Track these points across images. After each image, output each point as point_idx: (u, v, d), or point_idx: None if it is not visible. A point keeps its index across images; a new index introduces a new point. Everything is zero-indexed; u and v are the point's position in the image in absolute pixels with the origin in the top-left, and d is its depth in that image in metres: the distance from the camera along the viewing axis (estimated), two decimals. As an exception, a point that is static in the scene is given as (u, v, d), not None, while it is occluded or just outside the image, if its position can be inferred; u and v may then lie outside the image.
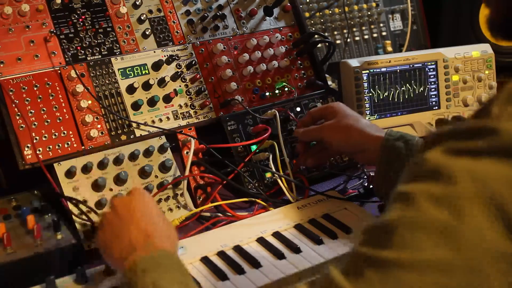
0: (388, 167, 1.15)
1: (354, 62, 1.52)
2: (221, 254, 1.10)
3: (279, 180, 1.32)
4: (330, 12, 1.88)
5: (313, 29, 1.83)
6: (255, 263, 1.06)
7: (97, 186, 1.21)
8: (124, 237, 0.92)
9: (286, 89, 1.51)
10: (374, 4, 1.97)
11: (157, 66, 1.38)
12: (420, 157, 0.60)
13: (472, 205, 0.54)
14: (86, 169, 1.21)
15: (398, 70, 1.55)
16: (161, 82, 1.37)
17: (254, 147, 1.37)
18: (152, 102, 1.35)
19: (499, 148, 0.55)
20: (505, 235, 0.53)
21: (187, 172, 1.30)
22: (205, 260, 1.09)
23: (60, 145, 1.23)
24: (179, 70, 1.40)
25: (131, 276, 0.84)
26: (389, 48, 1.96)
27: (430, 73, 1.58)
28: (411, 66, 1.56)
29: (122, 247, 0.92)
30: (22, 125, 1.20)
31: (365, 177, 1.37)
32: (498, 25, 0.75)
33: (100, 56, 1.34)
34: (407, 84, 1.56)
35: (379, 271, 0.58)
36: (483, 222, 0.53)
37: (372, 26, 1.97)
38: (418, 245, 0.57)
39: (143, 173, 1.26)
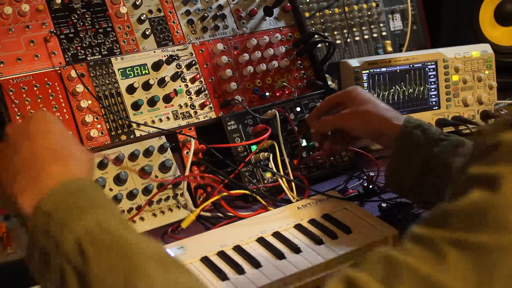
0: (403, 156, 1.13)
1: (354, 62, 1.52)
2: (221, 254, 1.10)
3: (279, 180, 1.32)
4: (330, 12, 1.89)
5: (313, 29, 1.83)
6: (255, 263, 1.06)
7: (97, 186, 1.20)
8: (28, 173, 0.72)
9: (286, 89, 1.51)
10: (374, 4, 1.97)
11: (157, 66, 1.38)
12: (493, 139, 0.59)
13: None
14: (86, 169, 1.21)
15: (398, 70, 1.55)
16: (161, 82, 1.37)
17: (254, 147, 1.37)
18: (152, 102, 1.35)
19: None
20: None
21: (187, 172, 1.30)
22: (205, 260, 1.09)
23: (60, 145, 1.23)
24: (179, 70, 1.40)
25: (43, 224, 0.64)
26: (389, 48, 1.96)
27: (430, 73, 1.58)
28: (411, 66, 1.56)
29: (24, 185, 0.71)
30: (22, 125, 1.20)
31: (365, 177, 1.37)
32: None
33: (100, 56, 1.34)
34: (407, 84, 1.56)
35: (471, 255, 0.56)
36: None
37: (372, 26, 1.97)
38: None
39: (143, 173, 1.26)
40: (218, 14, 1.50)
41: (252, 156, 1.35)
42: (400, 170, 1.14)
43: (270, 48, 1.52)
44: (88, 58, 1.33)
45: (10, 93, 1.21)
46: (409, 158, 1.12)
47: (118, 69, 1.34)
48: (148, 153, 1.28)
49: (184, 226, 1.22)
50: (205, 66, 1.45)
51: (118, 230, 0.63)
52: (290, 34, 1.58)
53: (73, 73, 1.28)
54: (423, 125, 1.15)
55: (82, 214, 0.63)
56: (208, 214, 1.27)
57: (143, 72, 1.37)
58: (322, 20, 1.87)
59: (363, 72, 1.51)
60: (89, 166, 0.77)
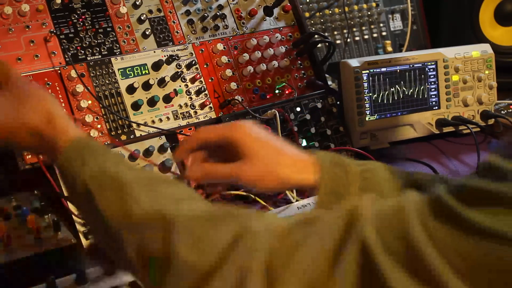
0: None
1: (354, 62, 1.52)
2: (221, 254, 1.09)
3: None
4: (330, 12, 1.89)
5: (313, 29, 1.83)
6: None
7: (97, 186, 1.20)
8: (21, 127, 0.83)
9: (285, 89, 1.51)
10: (374, 4, 1.97)
11: (157, 66, 1.38)
12: None
13: None
14: (86, 169, 1.21)
15: (398, 70, 1.55)
16: (161, 82, 1.37)
17: (254, 147, 1.37)
18: (152, 102, 1.35)
19: None
20: None
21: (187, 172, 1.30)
22: (205, 260, 1.08)
23: (60, 145, 1.23)
24: (179, 70, 1.40)
25: (63, 170, 0.79)
26: (389, 48, 1.96)
27: (430, 73, 1.58)
28: (411, 66, 1.56)
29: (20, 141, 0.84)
30: (22, 125, 1.20)
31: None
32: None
33: (100, 56, 1.34)
34: (407, 84, 1.56)
35: None
36: None
37: (372, 26, 1.97)
38: None
39: (143, 173, 1.26)
40: (218, 14, 1.50)
41: (252, 156, 1.35)
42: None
43: (270, 48, 1.52)
44: (88, 58, 1.33)
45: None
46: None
47: (118, 69, 1.34)
48: (148, 153, 1.28)
49: None
50: (205, 66, 1.45)
51: (111, 168, 0.75)
52: (290, 34, 1.58)
53: (73, 73, 1.28)
54: (338, 161, 0.90)
55: (85, 164, 0.77)
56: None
57: (143, 72, 1.37)
58: (322, 20, 1.87)
59: (363, 72, 1.51)
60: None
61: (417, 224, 0.52)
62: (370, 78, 1.52)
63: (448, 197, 0.52)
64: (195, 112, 1.40)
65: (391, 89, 1.55)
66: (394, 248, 0.52)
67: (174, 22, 1.45)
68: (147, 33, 1.39)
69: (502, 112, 1.70)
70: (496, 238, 0.48)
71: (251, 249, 0.60)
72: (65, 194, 1.15)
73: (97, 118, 1.28)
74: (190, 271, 0.62)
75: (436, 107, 1.60)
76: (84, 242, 1.14)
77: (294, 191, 1.31)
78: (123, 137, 1.30)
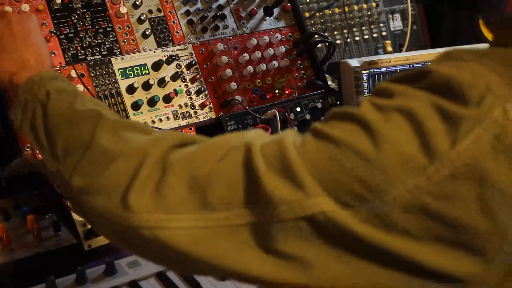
0: None
1: (354, 62, 1.52)
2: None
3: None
4: (330, 12, 1.89)
5: (313, 29, 1.83)
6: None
7: (97, 186, 1.20)
8: (15, 53, 1.00)
9: (285, 89, 1.51)
10: (374, 4, 1.97)
11: (157, 66, 1.38)
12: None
13: (398, 114, 0.63)
14: (86, 169, 1.21)
15: (398, 70, 1.55)
16: (161, 82, 1.37)
17: (254, 147, 1.37)
18: (152, 102, 1.35)
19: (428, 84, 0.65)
20: (418, 146, 0.61)
21: None
22: (205, 260, 1.08)
23: (60, 145, 1.23)
24: (179, 70, 1.40)
25: (29, 87, 0.91)
26: (389, 48, 1.96)
27: (430, 73, 1.58)
28: (411, 66, 1.56)
29: (11, 61, 0.99)
30: (22, 125, 1.20)
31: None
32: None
33: (100, 56, 1.34)
34: (407, 84, 1.56)
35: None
36: (401, 131, 0.62)
37: (372, 26, 1.97)
38: None
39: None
40: (218, 14, 1.50)
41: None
42: None
43: (270, 48, 1.52)
44: (88, 58, 1.33)
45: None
46: None
47: (118, 69, 1.34)
48: (148, 153, 1.28)
49: None
50: (205, 66, 1.45)
51: (73, 88, 0.94)
52: (290, 34, 1.58)
53: (73, 73, 1.28)
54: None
55: (53, 82, 0.93)
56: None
57: (143, 72, 1.37)
58: (322, 20, 1.87)
59: (363, 72, 1.51)
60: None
61: (289, 142, 0.66)
62: (370, 78, 1.52)
63: (317, 123, 0.68)
64: (195, 112, 1.40)
65: (391, 89, 1.54)
66: (270, 157, 0.66)
67: (174, 22, 1.45)
68: (147, 33, 1.39)
69: None
70: (337, 144, 0.63)
71: (156, 142, 0.74)
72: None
73: (97, 118, 1.28)
74: (103, 154, 0.76)
75: (436, 107, 1.59)
76: (85, 243, 1.14)
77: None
78: (123, 137, 1.30)
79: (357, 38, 1.92)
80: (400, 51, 1.98)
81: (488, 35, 0.80)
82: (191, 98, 1.41)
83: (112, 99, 1.32)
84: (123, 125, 0.82)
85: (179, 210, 0.68)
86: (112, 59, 1.35)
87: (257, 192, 0.66)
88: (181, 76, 1.40)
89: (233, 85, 1.45)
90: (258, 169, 0.66)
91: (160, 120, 1.35)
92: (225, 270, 0.68)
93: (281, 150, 0.66)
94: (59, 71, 1.23)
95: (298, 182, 0.64)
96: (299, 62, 1.56)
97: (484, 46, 0.69)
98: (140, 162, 0.72)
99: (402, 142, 0.62)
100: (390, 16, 2.01)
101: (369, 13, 1.96)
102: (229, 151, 0.69)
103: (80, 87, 1.27)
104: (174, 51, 1.42)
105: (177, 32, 1.45)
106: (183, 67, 1.42)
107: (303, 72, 1.56)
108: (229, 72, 1.45)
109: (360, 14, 1.94)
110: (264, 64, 1.50)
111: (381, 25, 1.99)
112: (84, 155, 0.78)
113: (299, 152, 0.65)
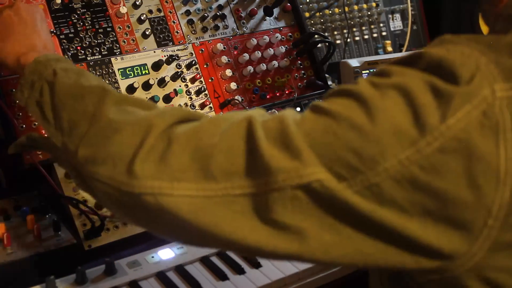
0: None
1: (354, 62, 1.52)
2: (221, 254, 1.10)
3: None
4: (330, 12, 1.89)
5: (313, 29, 1.83)
6: (255, 263, 1.06)
7: (97, 186, 1.20)
8: (24, 37, 1.05)
9: (286, 89, 1.51)
10: (374, 4, 1.97)
11: (157, 66, 1.38)
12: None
13: (393, 90, 0.67)
14: (86, 169, 1.21)
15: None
16: (161, 82, 1.37)
17: (254, 147, 1.37)
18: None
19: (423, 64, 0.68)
20: (411, 119, 0.64)
21: None
22: (205, 260, 1.09)
23: (60, 145, 1.23)
24: (179, 70, 1.40)
25: (36, 66, 0.94)
26: (389, 48, 1.96)
27: (430, 73, 1.58)
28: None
29: (20, 43, 1.04)
30: (22, 125, 1.20)
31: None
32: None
33: (100, 56, 1.34)
34: (407, 84, 1.56)
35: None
36: (395, 105, 0.65)
37: (372, 26, 1.97)
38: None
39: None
40: (218, 14, 1.50)
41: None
42: None
43: (270, 48, 1.52)
44: (88, 58, 1.33)
45: (11, 93, 1.21)
46: None
47: (118, 69, 1.34)
48: (148, 153, 1.28)
49: None
50: (205, 66, 1.45)
51: (79, 68, 0.96)
52: (290, 34, 1.58)
53: (73, 73, 1.28)
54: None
55: (59, 63, 0.95)
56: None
57: (143, 72, 1.37)
58: (322, 20, 1.87)
59: (363, 72, 1.51)
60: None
61: (289, 118, 0.69)
62: (370, 78, 1.52)
63: (316, 101, 0.70)
64: (195, 112, 1.40)
65: (391, 89, 1.54)
66: (270, 130, 0.69)
67: (174, 22, 1.45)
68: (147, 33, 1.39)
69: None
70: (334, 117, 0.67)
71: (162, 115, 0.77)
72: (65, 194, 1.15)
73: (97, 118, 1.28)
74: (109, 125, 0.78)
75: (436, 107, 1.59)
76: (85, 243, 1.14)
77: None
78: (123, 137, 1.30)
79: (357, 38, 1.92)
80: (400, 51, 1.98)
81: (484, 28, 0.85)
82: (191, 98, 1.41)
83: (112, 99, 1.31)
84: (129, 100, 0.85)
85: (182, 178, 0.70)
86: (112, 59, 1.35)
87: (256, 162, 0.68)
88: (181, 76, 1.40)
89: (233, 85, 1.45)
90: (258, 140, 0.68)
91: (160, 120, 1.35)
92: (222, 239, 0.70)
93: (281, 123, 0.69)
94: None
95: (296, 152, 0.66)
96: (299, 62, 1.56)
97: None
98: (146, 132, 0.74)
99: (396, 115, 0.65)
100: (390, 16, 2.01)
101: (369, 13, 1.96)
102: (232, 124, 0.72)
103: (80, 87, 1.27)
104: (174, 51, 1.42)
105: (177, 32, 1.45)
106: (183, 67, 1.42)
107: (303, 72, 1.56)
108: (229, 72, 1.45)
109: (360, 14, 1.94)
110: (264, 64, 1.50)
111: (381, 25, 1.99)
112: (90, 127, 0.80)
113: (298, 125, 0.68)
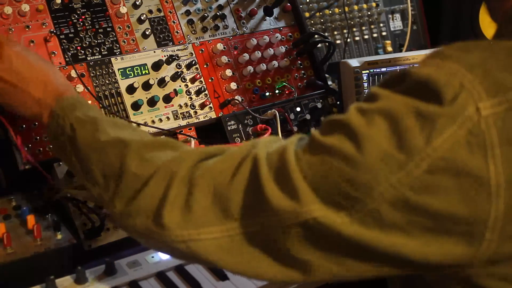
0: None
1: (354, 62, 1.52)
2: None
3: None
4: (330, 12, 1.88)
5: (313, 29, 1.83)
6: (255, 263, 1.06)
7: (97, 186, 1.20)
8: (24, 96, 1.04)
9: (286, 89, 1.51)
10: (374, 4, 1.97)
11: (157, 66, 1.38)
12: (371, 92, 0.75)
13: (378, 116, 0.69)
14: (86, 169, 1.21)
15: (398, 70, 1.55)
16: (161, 82, 1.37)
17: (254, 147, 1.37)
18: (152, 102, 1.35)
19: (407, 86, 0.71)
20: (395, 143, 0.67)
21: None
22: (205, 260, 1.08)
23: (60, 145, 1.23)
24: (179, 70, 1.40)
25: (55, 123, 0.98)
26: (389, 48, 1.96)
27: (430, 73, 1.58)
28: (411, 66, 1.56)
29: (24, 97, 1.04)
30: (22, 125, 1.20)
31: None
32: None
33: (100, 56, 1.34)
34: (407, 84, 1.56)
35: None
36: (381, 131, 0.68)
37: (372, 26, 1.97)
38: None
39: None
40: (218, 14, 1.50)
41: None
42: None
43: (270, 48, 1.52)
44: (88, 58, 1.33)
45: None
46: None
47: (118, 69, 1.34)
48: (148, 153, 1.28)
49: None
50: (205, 66, 1.45)
51: (90, 113, 0.98)
52: (290, 34, 1.58)
53: (73, 73, 1.28)
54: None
55: (74, 112, 0.98)
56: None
57: (143, 72, 1.37)
58: (322, 20, 1.87)
59: (363, 72, 1.51)
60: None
61: (290, 152, 0.73)
62: (370, 78, 1.52)
63: (315, 132, 0.75)
64: (195, 112, 1.40)
65: (391, 89, 1.54)
66: (273, 165, 0.74)
67: (174, 22, 1.45)
68: (147, 33, 1.39)
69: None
70: (329, 151, 0.70)
71: (181, 160, 0.83)
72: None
73: (97, 118, 1.28)
74: (135, 180, 0.84)
75: (436, 107, 1.59)
76: (85, 243, 1.14)
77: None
78: (123, 137, 1.29)
79: (357, 38, 1.92)
80: (400, 51, 1.98)
81: (485, 29, 0.86)
82: (191, 98, 1.41)
83: (112, 99, 1.32)
84: (148, 145, 0.89)
85: (206, 223, 0.78)
86: (112, 59, 1.35)
87: (261, 200, 0.74)
88: (181, 76, 1.40)
89: (233, 85, 1.45)
90: (262, 178, 0.74)
91: (160, 120, 1.35)
92: (243, 275, 0.79)
93: (282, 160, 0.74)
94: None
95: (293, 192, 0.71)
96: (299, 62, 1.56)
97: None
98: (168, 182, 0.81)
99: (381, 142, 0.67)
100: (390, 16, 2.01)
101: (369, 13, 1.96)
102: (241, 163, 0.78)
103: (80, 87, 1.27)
104: (174, 51, 1.42)
105: (177, 32, 1.45)
106: (183, 67, 1.42)
107: (303, 72, 1.56)
108: (229, 72, 1.45)
109: (360, 14, 1.94)
110: (264, 64, 1.50)
111: (381, 25, 1.99)
112: (119, 183, 0.86)
113: (298, 160, 0.72)
